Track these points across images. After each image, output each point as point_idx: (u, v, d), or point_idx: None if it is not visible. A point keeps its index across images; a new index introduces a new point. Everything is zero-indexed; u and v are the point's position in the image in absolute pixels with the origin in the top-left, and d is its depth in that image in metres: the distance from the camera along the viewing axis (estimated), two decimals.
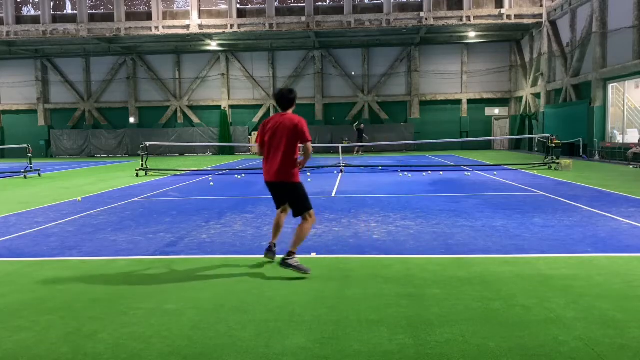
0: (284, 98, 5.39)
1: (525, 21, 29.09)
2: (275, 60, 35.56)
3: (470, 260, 5.66)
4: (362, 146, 30.71)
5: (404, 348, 3.41)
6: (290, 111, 5.45)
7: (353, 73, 34.56)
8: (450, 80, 34.78)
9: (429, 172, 16.92)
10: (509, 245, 6.28)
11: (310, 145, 5.36)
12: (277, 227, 5.74)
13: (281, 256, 5.35)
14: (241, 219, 8.51)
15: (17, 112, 37.30)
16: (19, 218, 9.17)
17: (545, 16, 28.41)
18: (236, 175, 17.17)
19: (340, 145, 21.89)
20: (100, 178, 17.45)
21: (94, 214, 9.46)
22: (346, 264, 5.57)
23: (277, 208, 5.70)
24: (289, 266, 5.17)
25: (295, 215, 5.41)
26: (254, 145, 33.73)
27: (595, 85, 22.95)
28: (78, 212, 9.62)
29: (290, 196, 5.37)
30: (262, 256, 5.75)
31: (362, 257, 5.90)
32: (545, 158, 18.42)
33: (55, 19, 32.23)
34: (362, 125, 32.04)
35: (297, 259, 5.23)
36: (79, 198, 11.66)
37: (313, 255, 6.02)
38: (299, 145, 5.34)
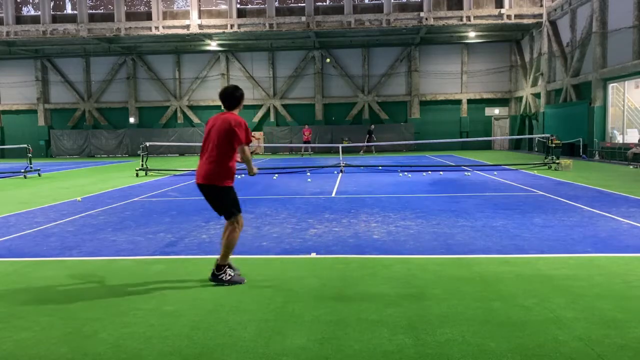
0: (229, 96, 5.08)
1: (525, 21, 29.09)
2: (275, 60, 35.56)
3: (470, 260, 5.65)
4: (368, 146, 30.82)
5: (404, 348, 3.41)
6: (236, 111, 5.11)
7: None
8: (450, 80, 34.78)
9: (429, 172, 16.92)
10: (509, 245, 6.28)
11: (246, 148, 4.99)
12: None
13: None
14: None
15: (17, 112, 37.29)
16: (19, 218, 9.17)
17: (545, 16, 28.41)
18: (236, 175, 17.15)
19: (340, 145, 21.89)
20: (100, 178, 17.45)
21: (94, 214, 9.46)
22: (346, 264, 5.56)
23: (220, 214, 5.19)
24: (221, 282, 4.81)
25: (223, 216, 5.04)
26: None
27: (595, 85, 22.95)
28: (78, 212, 9.62)
29: (215, 200, 5.00)
30: (261, 256, 5.73)
31: (362, 257, 5.89)
32: (545, 158, 18.43)
33: (55, 19, 32.23)
34: (372, 127, 32.01)
35: (230, 270, 4.88)
36: (79, 198, 11.66)
37: (313, 255, 6.02)
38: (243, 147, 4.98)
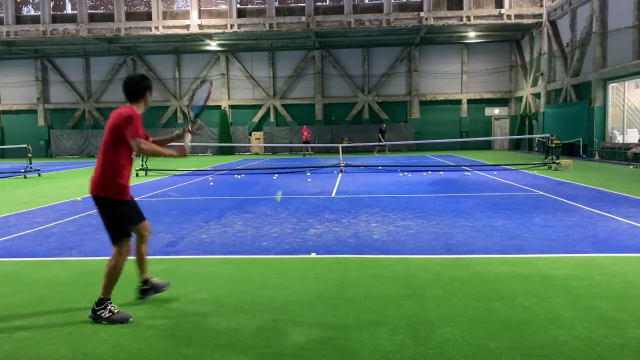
0: (131, 85, 4.20)
1: (525, 21, 29.09)
2: (275, 60, 35.55)
3: (470, 260, 5.65)
4: (381, 146, 30.74)
5: (404, 348, 3.41)
6: (140, 105, 4.24)
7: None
8: (450, 80, 34.78)
9: (429, 172, 16.92)
10: (509, 245, 6.27)
11: (135, 142, 4.00)
12: (140, 259, 4.41)
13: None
14: (241, 219, 8.51)
15: (17, 112, 37.29)
16: (19, 218, 9.17)
17: (545, 16, 28.41)
18: (236, 175, 17.17)
19: (340, 145, 21.89)
20: None
21: (94, 214, 9.37)
22: (346, 264, 5.56)
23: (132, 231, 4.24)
24: (99, 319, 3.94)
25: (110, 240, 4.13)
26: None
27: (595, 85, 22.94)
28: (78, 212, 9.62)
29: (102, 216, 4.10)
30: (261, 256, 5.71)
31: (362, 257, 5.89)
32: (545, 158, 18.42)
33: (55, 19, 32.23)
34: (384, 126, 31.88)
35: (112, 307, 4.00)
36: (78, 198, 11.66)
37: (313, 255, 6.01)
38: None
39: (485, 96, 34.68)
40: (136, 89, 4.21)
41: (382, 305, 4.23)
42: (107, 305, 3.99)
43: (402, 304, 4.25)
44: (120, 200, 4.09)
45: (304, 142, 30.28)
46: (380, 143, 29.02)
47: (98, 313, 3.96)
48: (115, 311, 4.00)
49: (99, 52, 35.80)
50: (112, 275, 4.04)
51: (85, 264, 5.86)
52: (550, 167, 17.37)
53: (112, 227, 4.07)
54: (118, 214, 4.07)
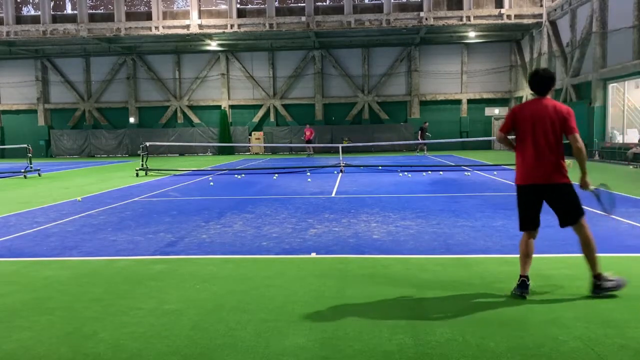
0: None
1: (525, 21, 29.10)
2: (275, 60, 35.56)
3: (470, 260, 5.65)
4: (423, 144, 30.45)
5: (404, 348, 3.41)
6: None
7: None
8: (450, 80, 34.78)
9: (429, 172, 16.92)
10: (509, 245, 6.27)
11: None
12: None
13: None
14: (241, 219, 8.51)
15: (17, 112, 37.30)
16: (19, 218, 9.17)
17: (545, 16, 28.41)
18: (236, 175, 17.17)
19: (340, 145, 21.89)
20: (100, 178, 17.45)
21: (94, 214, 9.46)
22: (346, 264, 5.56)
23: None
24: (604, 290, 4.23)
25: None
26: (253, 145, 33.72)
27: (595, 85, 22.94)
28: (78, 212, 9.62)
29: (566, 198, 4.37)
30: (261, 256, 5.71)
31: (362, 257, 5.89)
32: None
33: (55, 19, 32.24)
34: (426, 124, 31.50)
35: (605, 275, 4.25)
36: (79, 198, 11.66)
37: (313, 255, 6.01)
38: None
39: (485, 96, 34.69)
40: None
41: (382, 305, 4.23)
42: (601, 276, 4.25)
43: (402, 304, 4.25)
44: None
45: (307, 142, 29.99)
46: (422, 141, 28.85)
47: (601, 286, 4.21)
48: (612, 279, 4.26)
49: (99, 52, 35.81)
50: (592, 247, 4.30)
51: (85, 264, 5.86)
52: None
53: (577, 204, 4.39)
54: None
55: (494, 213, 8.61)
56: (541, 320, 3.84)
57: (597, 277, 4.29)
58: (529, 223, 4.41)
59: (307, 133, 30.52)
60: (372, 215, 8.66)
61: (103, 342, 3.61)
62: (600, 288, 4.25)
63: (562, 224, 4.42)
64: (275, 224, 8.00)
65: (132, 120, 36.47)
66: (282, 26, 30.40)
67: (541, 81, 4.48)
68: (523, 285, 4.30)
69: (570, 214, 4.36)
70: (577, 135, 4.35)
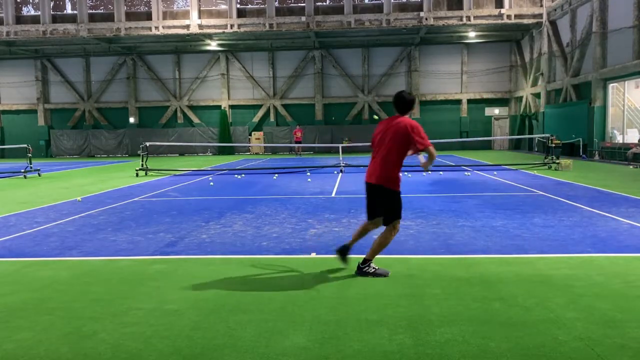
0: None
1: (525, 21, 29.09)
2: (275, 60, 35.56)
3: (470, 260, 5.65)
4: None
5: (404, 348, 3.41)
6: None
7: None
8: (450, 80, 34.78)
9: (429, 172, 16.92)
10: (509, 245, 6.27)
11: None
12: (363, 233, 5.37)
13: None
14: (241, 219, 8.51)
15: (17, 112, 37.30)
16: (19, 218, 9.17)
17: (545, 16, 28.41)
18: (236, 175, 17.17)
19: (340, 145, 21.89)
20: (100, 178, 17.45)
21: (94, 214, 9.46)
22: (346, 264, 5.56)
23: None
24: (367, 274, 5.02)
25: None
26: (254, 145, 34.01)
27: (595, 85, 22.95)
28: (78, 212, 9.62)
29: (385, 199, 5.25)
30: (261, 256, 5.71)
31: (362, 257, 5.87)
32: (545, 158, 18.43)
33: (55, 19, 32.23)
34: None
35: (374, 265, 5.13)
36: (79, 198, 11.66)
37: (313, 255, 6.01)
38: None
39: (485, 96, 34.69)
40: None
41: (382, 305, 4.23)
42: (370, 264, 5.03)
43: (402, 304, 4.25)
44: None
45: (296, 142, 31.00)
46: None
47: (364, 270, 5.00)
48: (377, 267, 5.06)
49: (99, 52, 35.80)
50: (383, 245, 5.07)
51: (85, 264, 5.86)
52: (550, 167, 17.37)
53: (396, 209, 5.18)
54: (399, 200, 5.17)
55: (494, 213, 8.61)
56: (541, 320, 3.84)
57: (365, 262, 5.07)
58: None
59: (298, 134, 31.37)
60: None
61: (103, 342, 3.61)
62: (363, 271, 5.04)
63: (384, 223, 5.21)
64: (275, 224, 8.00)
65: (132, 120, 36.46)
66: (282, 26, 30.41)
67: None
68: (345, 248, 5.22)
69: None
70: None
